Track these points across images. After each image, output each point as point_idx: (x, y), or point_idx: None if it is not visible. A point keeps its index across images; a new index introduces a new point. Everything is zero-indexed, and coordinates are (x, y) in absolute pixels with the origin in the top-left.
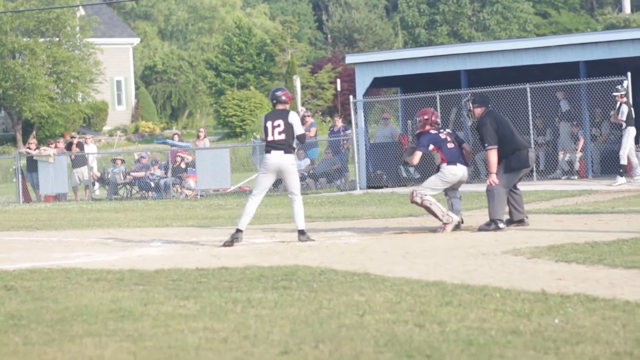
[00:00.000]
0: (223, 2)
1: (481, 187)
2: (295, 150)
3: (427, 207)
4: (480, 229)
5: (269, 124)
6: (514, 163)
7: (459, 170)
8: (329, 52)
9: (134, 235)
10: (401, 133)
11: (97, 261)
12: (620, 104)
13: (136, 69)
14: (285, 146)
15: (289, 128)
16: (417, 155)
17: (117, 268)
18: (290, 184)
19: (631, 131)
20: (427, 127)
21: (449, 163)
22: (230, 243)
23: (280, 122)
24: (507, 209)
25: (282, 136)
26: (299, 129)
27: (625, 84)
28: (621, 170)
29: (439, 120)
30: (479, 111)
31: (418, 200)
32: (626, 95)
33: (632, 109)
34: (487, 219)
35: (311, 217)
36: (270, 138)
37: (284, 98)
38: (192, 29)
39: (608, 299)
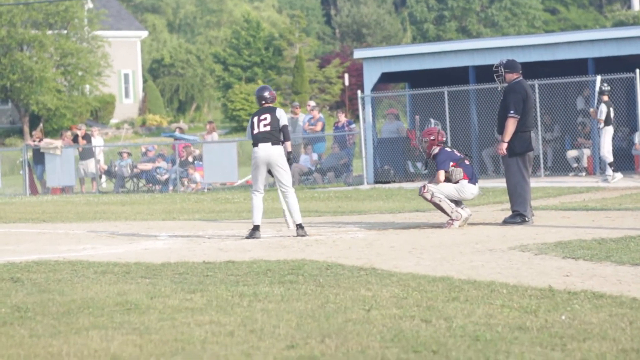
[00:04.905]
0: None
1: (487, 183)
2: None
3: (435, 204)
4: (505, 222)
5: (255, 119)
6: (517, 147)
7: (476, 190)
8: (337, 47)
9: (140, 228)
10: (408, 128)
11: (104, 254)
12: (600, 103)
13: (144, 62)
14: (272, 138)
15: (275, 121)
16: (442, 174)
17: (123, 261)
18: (281, 177)
19: (609, 130)
20: (436, 147)
21: (470, 181)
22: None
23: (267, 115)
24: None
25: (268, 128)
26: (284, 122)
27: (599, 82)
28: (612, 168)
29: (444, 138)
30: (510, 76)
31: (428, 196)
32: (607, 94)
33: (611, 109)
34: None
35: (318, 212)
36: (256, 131)
37: (269, 96)
38: (200, 22)
39: (615, 295)
